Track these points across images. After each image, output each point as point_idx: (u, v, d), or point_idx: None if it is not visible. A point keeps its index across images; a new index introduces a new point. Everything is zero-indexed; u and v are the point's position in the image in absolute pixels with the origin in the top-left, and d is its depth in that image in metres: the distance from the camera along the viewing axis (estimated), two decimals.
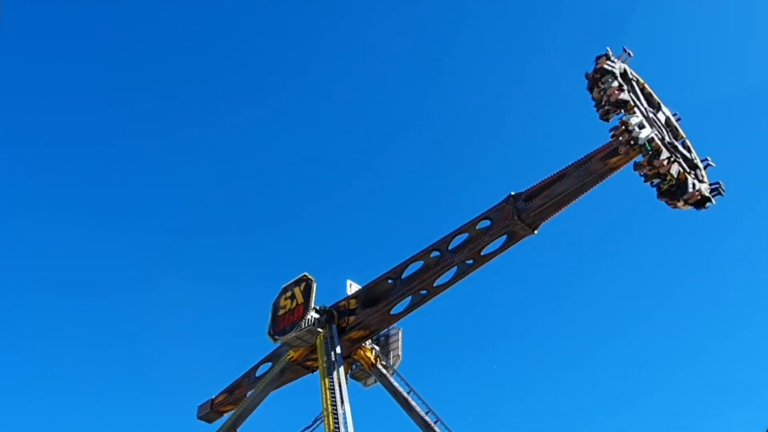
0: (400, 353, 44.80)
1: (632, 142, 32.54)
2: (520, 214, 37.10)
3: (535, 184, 37.37)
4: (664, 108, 38.58)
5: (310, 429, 41.09)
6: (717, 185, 34.60)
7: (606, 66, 34.91)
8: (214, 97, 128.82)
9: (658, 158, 32.26)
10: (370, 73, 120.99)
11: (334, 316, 43.52)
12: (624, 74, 36.11)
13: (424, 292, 41.18)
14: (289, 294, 45.53)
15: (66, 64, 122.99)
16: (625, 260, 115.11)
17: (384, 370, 42.81)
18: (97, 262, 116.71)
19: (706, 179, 35.36)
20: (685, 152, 35.84)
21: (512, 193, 37.74)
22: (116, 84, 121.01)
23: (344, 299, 44.08)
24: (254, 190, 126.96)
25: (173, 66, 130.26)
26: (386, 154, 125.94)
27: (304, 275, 45.62)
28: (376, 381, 43.42)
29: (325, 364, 39.61)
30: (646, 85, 38.23)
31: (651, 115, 36.39)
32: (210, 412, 48.40)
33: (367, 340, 43.52)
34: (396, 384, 41.93)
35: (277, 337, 44.48)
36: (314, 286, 44.46)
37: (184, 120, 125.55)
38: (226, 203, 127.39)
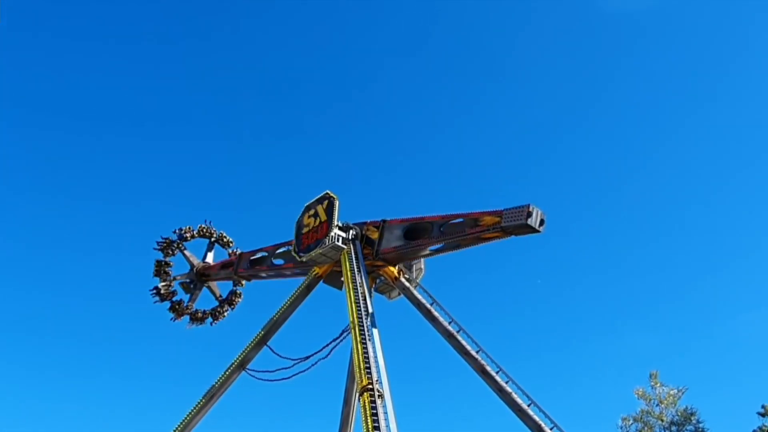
0: (422, 266, 45.25)
1: None
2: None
3: None
4: None
5: (338, 341, 42.09)
6: None
7: None
8: None
9: None
10: None
11: (358, 233, 44.18)
12: None
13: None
14: (312, 212, 46.16)
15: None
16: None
17: (407, 283, 43.54)
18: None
19: None
20: None
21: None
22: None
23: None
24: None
25: (179, 65, 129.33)
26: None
27: (327, 193, 45.92)
28: (399, 294, 44.28)
29: (350, 279, 40.32)
30: None
31: None
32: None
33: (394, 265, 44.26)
34: (419, 296, 42.66)
35: (301, 255, 45.36)
36: (336, 203, 44.90)
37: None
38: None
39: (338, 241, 43.32)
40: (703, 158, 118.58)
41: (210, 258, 56.16)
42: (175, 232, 55.53)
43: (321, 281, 46.04)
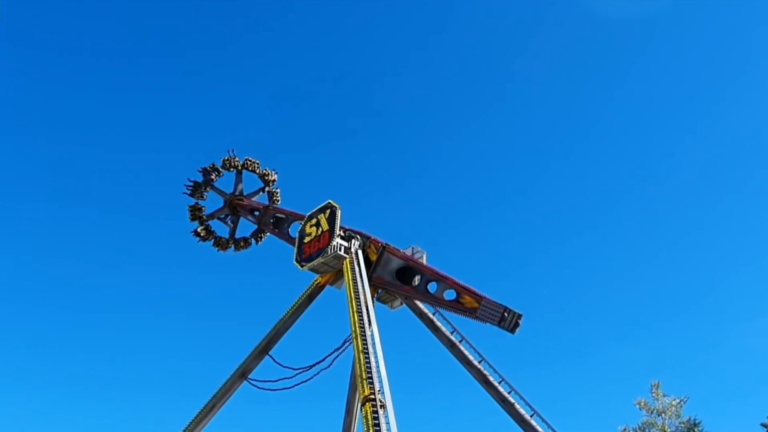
0: None
1: None
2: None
3: None
4: None
5: (340, 350, 41.98)
6: None
7: None
8: None
9: None
10: None
11: (361, 244, 44.07)
12: None
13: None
14: (314, 221, 46.19)
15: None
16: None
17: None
18: None
19: None
20: None
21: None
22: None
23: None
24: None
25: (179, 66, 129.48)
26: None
27: (329, 202, 45.97)
28: (402, 303, 44.12)
29: (352, 289, 40.23)
30: None
31: None
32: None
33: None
34: (421, 306, 42.59)
35: (303, 264, 45.32)
36: (339, 213, 44.93)
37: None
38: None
39: (340, 250, 43.31)
40: (706, 167, 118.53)
41: (241, 188, 56.84)
42: (199, 171, 56.20)
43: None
